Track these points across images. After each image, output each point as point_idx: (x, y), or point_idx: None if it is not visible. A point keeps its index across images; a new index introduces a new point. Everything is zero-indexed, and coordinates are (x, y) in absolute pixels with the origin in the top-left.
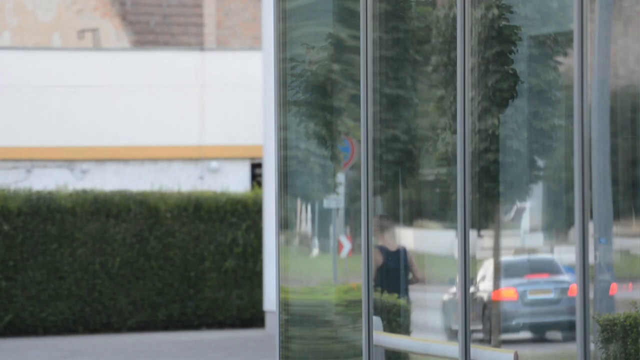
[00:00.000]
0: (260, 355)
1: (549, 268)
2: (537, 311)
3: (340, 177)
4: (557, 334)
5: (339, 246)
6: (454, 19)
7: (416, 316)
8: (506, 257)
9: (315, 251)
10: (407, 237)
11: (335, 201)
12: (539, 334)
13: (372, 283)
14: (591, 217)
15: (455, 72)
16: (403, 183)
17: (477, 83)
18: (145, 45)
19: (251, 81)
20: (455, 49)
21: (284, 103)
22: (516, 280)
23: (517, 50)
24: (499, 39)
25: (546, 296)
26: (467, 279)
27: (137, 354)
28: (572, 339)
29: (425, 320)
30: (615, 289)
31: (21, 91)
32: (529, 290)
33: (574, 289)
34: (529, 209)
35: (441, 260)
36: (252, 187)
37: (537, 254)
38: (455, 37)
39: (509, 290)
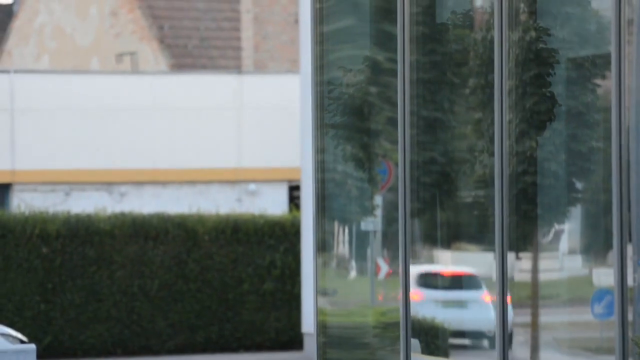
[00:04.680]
0: None
1: None
2: None
3: (378, 200)
4: None
5: (377, 268)
6: (492, 42)
7: (454, 338)
8: None
9: (353, 273)
10: (445, 259)
11: (373, 223)
12: None
13: (410, 305)
14: (630, 239)
15: (492, 94)
16: (441, 205)
17: (515, 105)
18: (183, 68)
19: (289, 104)
20: (492, 71)
21: (322, 126)
22: None
23: (555, 73)
24: (536, 62)
25: None
26: (505, 301)
27: None
28: None
29: (463, 342)
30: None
31: (60, 114)
32: None
33: None
34: (568, 231)
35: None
36: (290, 209)
37: None
38: (492, 60)
39: None
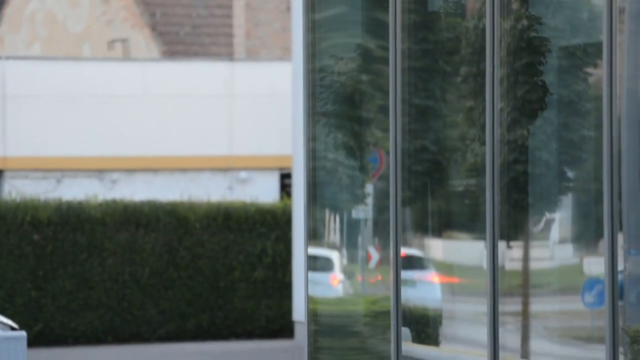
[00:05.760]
0: None
1: None
2: None
3: (369, 188)
4: None
5: (368, 257)
6: (483, 30)
7: (445, 327)
8: None
9: (344, 261)
10: (436, 248)
11: (364, 212)
12: None
13: (401, 294)
14: (621, 228)
15: (484, 83)
16: (432, 194)
17: (506, 94)
18: (175, 55)
19: (280, 92)
20: (484, 60)
21: (313, 114)
22: None
23: (547, 62)
24: (528, 50)
25: None
26: (496, 290)
27: None
28: None
29: (454, 331)
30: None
31: (51, 101)
32: None
33: None
34: (559, 220)
35: (470, 271)
36: (281, 197)
37: None
38: (484, 48)
39: None
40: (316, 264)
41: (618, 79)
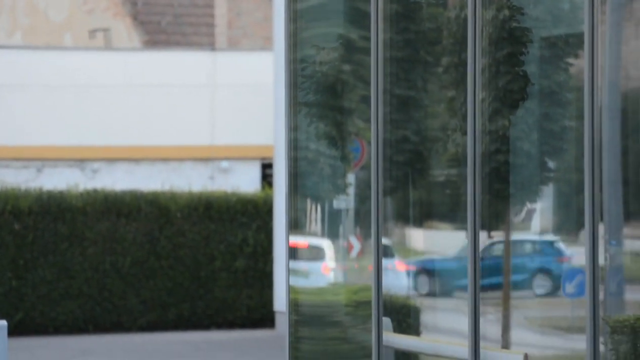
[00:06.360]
0: (270, 356)
1: None
2: None
3: (350, 178)
4: None
5: (349, 247)
6: (465, 20)
7: (426, 317)
8: None
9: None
10: (417, 238)
11: (345, 202)
12: None
13: (382, 283)
14: (601, 219)
15: (465, 73)
16: (413, 184)
17: (488, 84)
18: (157, 45)
19: (262, 81)
20: (466, 50)
21: (295, 104)
22: None
23: (528, 52)
24: (509, 40)
25: None
26: (477, 280)
27: (147, 353)
28: None
29: (435, 321)
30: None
31: (32, 91)
32: None
33: None
34: (539, 211)
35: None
36: (263, 187)
37: None
38: (466, 38)
39: None
40: (307, 253)
41: (599, 69)
